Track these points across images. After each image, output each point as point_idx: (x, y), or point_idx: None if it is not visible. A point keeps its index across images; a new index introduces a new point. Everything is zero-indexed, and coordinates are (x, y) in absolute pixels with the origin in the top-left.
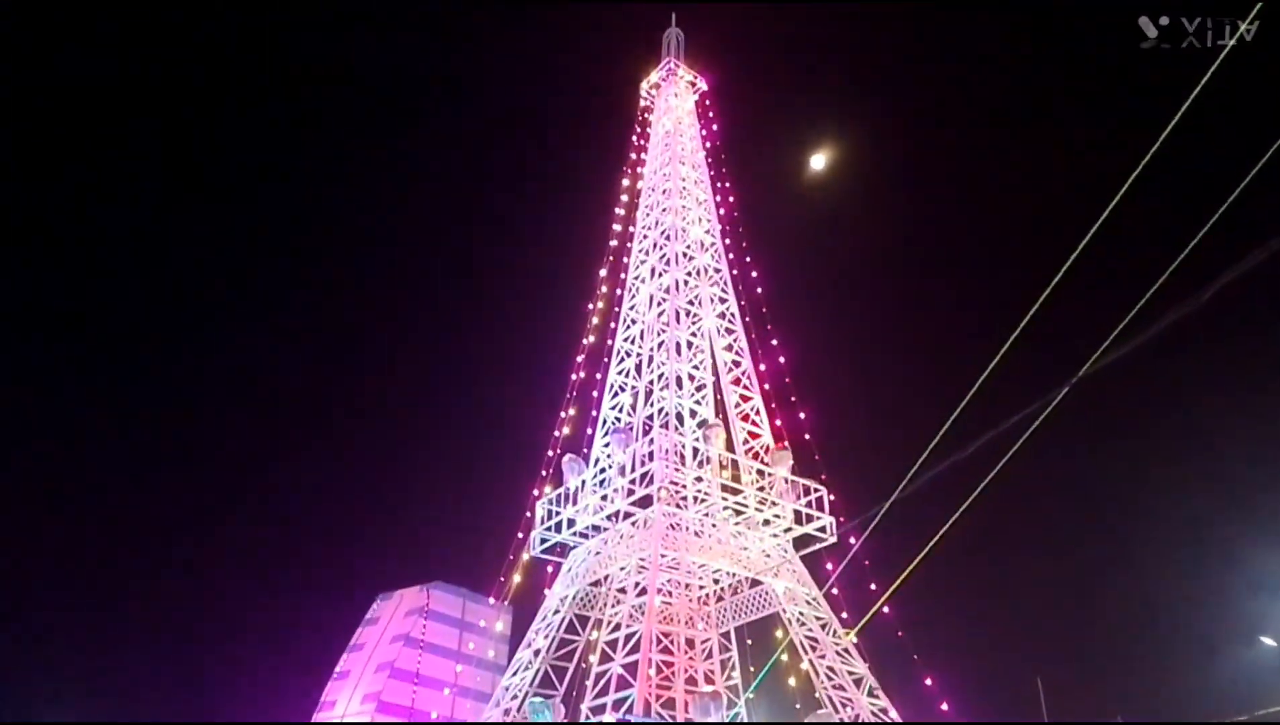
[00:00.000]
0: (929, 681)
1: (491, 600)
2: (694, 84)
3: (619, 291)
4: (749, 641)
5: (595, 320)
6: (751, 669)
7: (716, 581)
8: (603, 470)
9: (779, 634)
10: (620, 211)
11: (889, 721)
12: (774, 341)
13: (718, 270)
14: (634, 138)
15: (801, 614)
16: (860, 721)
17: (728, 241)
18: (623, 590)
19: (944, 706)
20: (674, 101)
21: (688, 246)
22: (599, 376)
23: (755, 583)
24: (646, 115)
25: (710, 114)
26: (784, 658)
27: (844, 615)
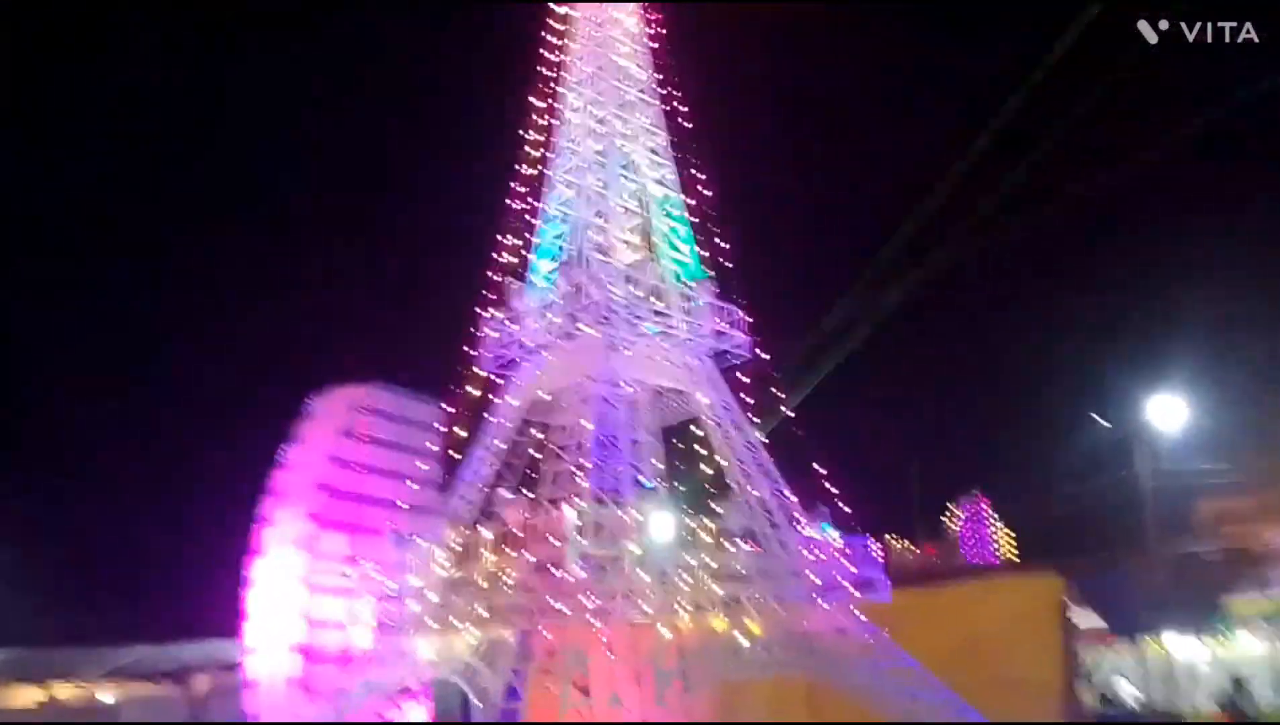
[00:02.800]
0: (820, 469)
1: (446, 408)
2: None
3: (554, 121)
4: (675, 443)
5: (531, 150)
6: (679, 464)
7: (654, 392)
8: (547, 294)
9: (700, 433)
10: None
11: None
12: (700, 174)
13: (649, 103)
14: None
15: (718, 418)
16: None
17: (660, 76)
18: (568, 401)
19: (833, 490)
20: None
21: (619, 78)
22: (538, 204)
23: (679, 392)
24: None
25: None
26: (704, 452)
27: (756, 420)
